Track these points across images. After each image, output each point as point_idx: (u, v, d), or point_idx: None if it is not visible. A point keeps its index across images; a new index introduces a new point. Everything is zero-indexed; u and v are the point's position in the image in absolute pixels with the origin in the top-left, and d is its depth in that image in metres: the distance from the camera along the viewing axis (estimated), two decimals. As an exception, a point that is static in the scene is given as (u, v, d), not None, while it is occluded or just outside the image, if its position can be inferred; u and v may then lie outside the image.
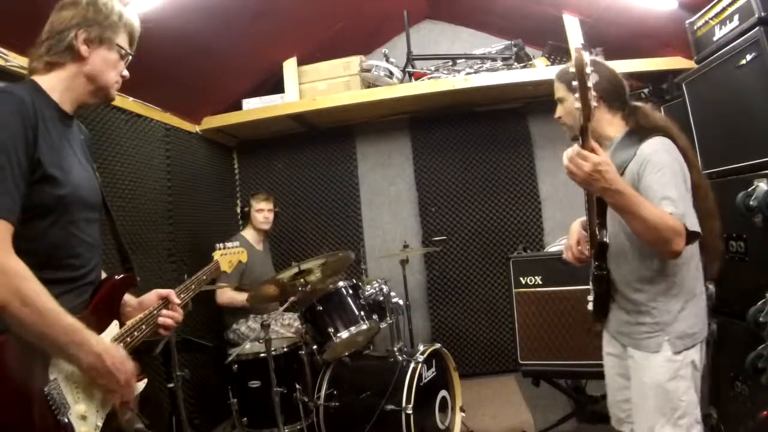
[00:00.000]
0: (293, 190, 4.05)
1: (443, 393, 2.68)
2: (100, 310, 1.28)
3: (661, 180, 1.45)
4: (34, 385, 1.10)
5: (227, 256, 1.94)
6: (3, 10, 1.85)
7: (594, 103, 1.27)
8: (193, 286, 1.60)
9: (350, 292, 2.76)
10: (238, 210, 4.04)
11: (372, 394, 2.52)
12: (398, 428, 2.36)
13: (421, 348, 2.64)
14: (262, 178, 4.10)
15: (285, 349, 2.73)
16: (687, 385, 1.52)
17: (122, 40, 1.34)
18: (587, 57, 1.23)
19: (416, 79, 3.47)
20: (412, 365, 2.50)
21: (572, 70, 1.24)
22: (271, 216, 3.40)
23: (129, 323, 1.35)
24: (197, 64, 2.89)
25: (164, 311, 1.43)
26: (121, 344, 1.28)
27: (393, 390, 2.43)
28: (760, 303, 1.86)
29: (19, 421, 1.06)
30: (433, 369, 2.65)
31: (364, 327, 2.65)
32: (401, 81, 3.46)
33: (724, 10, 2.14)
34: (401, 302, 3.03)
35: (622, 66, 3.06)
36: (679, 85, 2.48)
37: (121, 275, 1.37)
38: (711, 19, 2.23)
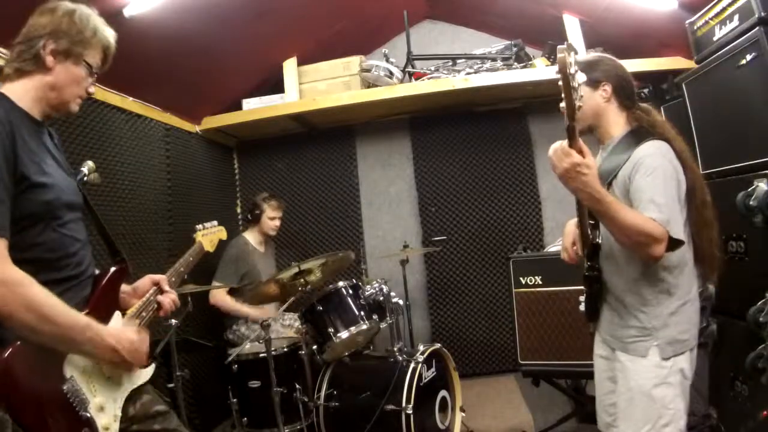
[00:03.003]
0: (293, 190, 4.05)
1: (443, 393, 2.68)
2: (102, 304, 1.33)
3: (652, 183, 1.44)
4: (53, 386, 1.15)
5: (208, 236, 1.98)
6: (3, 11, 1.85)
7: (579, 103, 1.28)
8: (182, 269, 1.67)
9: (350, 292, 2.75)
10: (238, 210, 4.04)
11: (372, 394, 2.52)
12: (398, 428, 2.36)
13: (421, 348, 2.64)
14: (262, 178, 4.09)
15: (285, 349, 2.73)
16: (675, 393, 1.50)
17: (93, 56, 1.33)
18: (571, 57, 1.23)
19: (416, 79, 3.47)
20: (412, 365, 2.50)
21: (555, 71, 1.24)
22: (279, 223, 3.42)
23: (129, 312, 1.42)
24: (197, 64, 2.89)
25: (160, 296, 1.50)
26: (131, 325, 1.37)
27: (393, 390, 2.43)
28: (760, 303, 1.85)
29: (44, 422, 1.10)
30: (433, 369, 2.65)
31: (364, 327, 2.65)
32: (401, 81, 3.46)
33: (724, 10, 2.14)
34: (401, 302, 3.03)
35: (622, 66, 3.07)
36: (679, 85, 2.48)
37: (116, 267, 1.42)
38: (711, 19, 2.24)
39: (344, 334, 2.59)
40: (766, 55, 1.89)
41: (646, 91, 3.03)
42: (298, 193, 4.05)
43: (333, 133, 4.03)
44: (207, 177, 3.64)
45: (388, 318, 2.82)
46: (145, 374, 1.44)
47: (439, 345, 2.76)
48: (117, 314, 1.38)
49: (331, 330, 2.59)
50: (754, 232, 1.95)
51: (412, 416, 2.35)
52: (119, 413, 1.30)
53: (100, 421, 1.22)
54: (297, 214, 4.03)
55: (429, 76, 3.47)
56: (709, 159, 2.28)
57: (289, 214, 4.01)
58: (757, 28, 1.93)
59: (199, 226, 1.98)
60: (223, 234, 2.10)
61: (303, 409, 2.60)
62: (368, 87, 3.49)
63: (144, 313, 1.43)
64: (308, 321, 2.71)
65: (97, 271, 1.41)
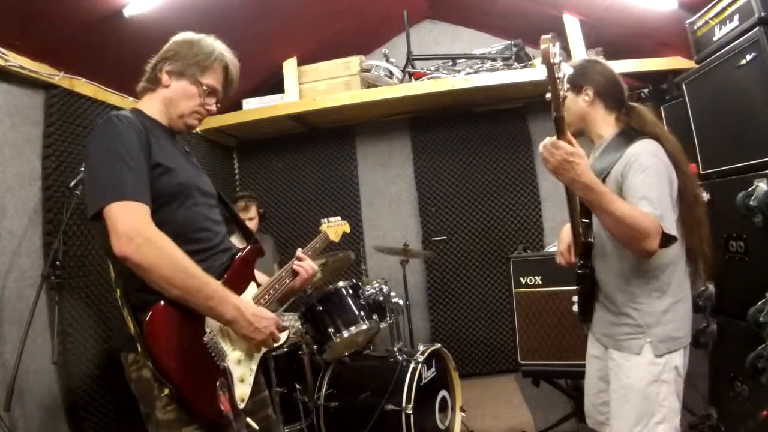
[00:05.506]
0: (293, 190, 4.05)
1: (443, 393, 2.68)
2: (237, 276, 1.50)
3: (644, 180, 1.45)
4: (194, 339, 1.32)
5: (333, 227, 2.16)
6: (3, 10, 1.85)
7: (564, 94, 1.28)
8: (309, 253, 1.86)
9: (350, 292, 2.75)
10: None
11: (372, 394, 2.52)
12: (398, 428, 2.36)
13: (421, 348, 2.64)
14: (262, 178, 4.10)
15: (285, 349, 2.73)
16: (668, 390, 1.50)
17: (210, 78, 1.51)
18: (555, 48, 1.24)
19: (416, 79, 3.47)
20: (412, 365, 2.50)
21: (540, 61, 1.25)
22: (252, 224, 3.25)
23: (262, 287, 1.60)
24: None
25: (295, 265, 1.70)
26: (261, 300, 1.54)
27: (393, 390, 2.43)
28: (760, 303, 1.85)
29: (187, 374, 1.26)
30: (433, 369, 2.65)
31: (364, 327, 2.65)
32: (401, 81, 3.46)
33: (724, 10, 2.14)
34: (401, 302, 3.03)
35: (622, 66, 3.07)
36: (679, 85, 2.48)
37: (250, 246, 1.60)
38: (711, 19, 2.23)
39: (344, 334, 2.59)
40: (766, 55, 1.89)
41: (646, 91, 3.03)
42: (298, 193, 4.05)
43: (333, 133, 4.04)
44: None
45: (388, 318, 2.82)
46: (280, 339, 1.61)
47: (439, 345, 2.76)
48: (252, 285, 1.55)
49: (331, 330, 2.59)
50: (754, 232, 1.95)
51: (412, 416, 2.35)
52: (254, 367, 1.48)
53: (236, 372, 1.39)
54: (297, 214, 4.03)
55: (429, 76, 3.47)
56: (709, 159, 2.27)
57: (289, 214, 4.02)
58: (757, 28, 1.93)
59: (324, 220, 2.20)
60: (346, 227, 2.24)
61: (303, 409, 2.60)
62: (368, 87, 3.49)
63: (272, 291, 1.60)
64: (308, 321, 2.71)
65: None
